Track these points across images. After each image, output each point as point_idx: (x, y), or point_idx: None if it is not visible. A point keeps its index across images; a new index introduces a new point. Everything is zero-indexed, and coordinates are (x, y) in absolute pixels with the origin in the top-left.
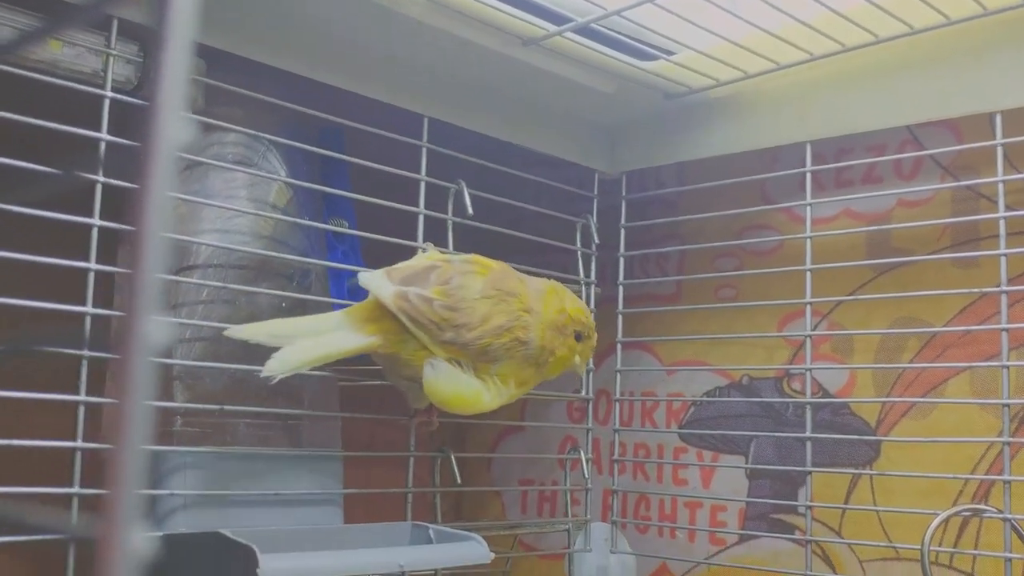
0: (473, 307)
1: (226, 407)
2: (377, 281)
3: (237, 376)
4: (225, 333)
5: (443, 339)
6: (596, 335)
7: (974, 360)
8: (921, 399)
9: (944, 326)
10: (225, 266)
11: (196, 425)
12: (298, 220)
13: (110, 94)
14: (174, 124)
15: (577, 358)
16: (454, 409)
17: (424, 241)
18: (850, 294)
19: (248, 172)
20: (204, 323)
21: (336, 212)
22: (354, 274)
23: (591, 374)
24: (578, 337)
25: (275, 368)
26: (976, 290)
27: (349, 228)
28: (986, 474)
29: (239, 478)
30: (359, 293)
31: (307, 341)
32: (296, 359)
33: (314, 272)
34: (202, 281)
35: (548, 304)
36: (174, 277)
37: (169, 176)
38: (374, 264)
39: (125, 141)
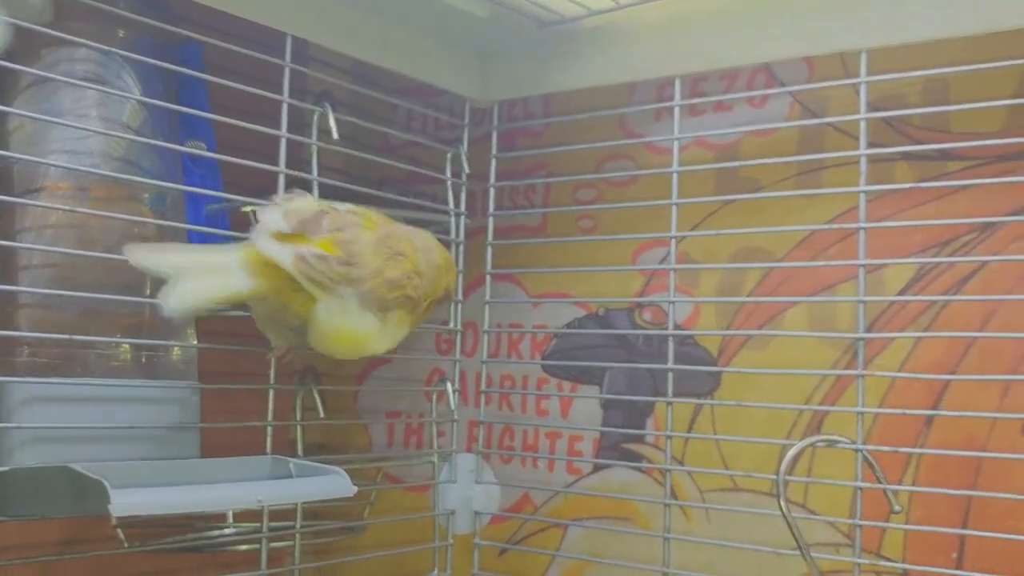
0: (365, 260)
1: (76, 337)
2: (273, 244)
3: (88, 305)
4: (129, 258)
5: (340, 294)
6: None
7: (812, 290)
8: (766, 331)
9: (784, 256)
10: (75, 189)
11: (44, 356)
12: (152, 141)
13: None
14: None
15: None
16: (343, 350)
17: (287, 167)
18: (699, 223)
19: (100, 90)
20: (52, 249)
21: (193, 134)
22: (212, 199)
23: (460, 306)
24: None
25: (175, 305)
26: (837, 226)
27: (207, 151)
28: (821, 404)
29: (91, 411)
30: (217, 219)
31: (206, 280)
32: (195, 299)
33: (169, 196)
34: (50, 204)
35: (430, 261)
36: (20, 200)
37: None
38: (233, 189)
39: None
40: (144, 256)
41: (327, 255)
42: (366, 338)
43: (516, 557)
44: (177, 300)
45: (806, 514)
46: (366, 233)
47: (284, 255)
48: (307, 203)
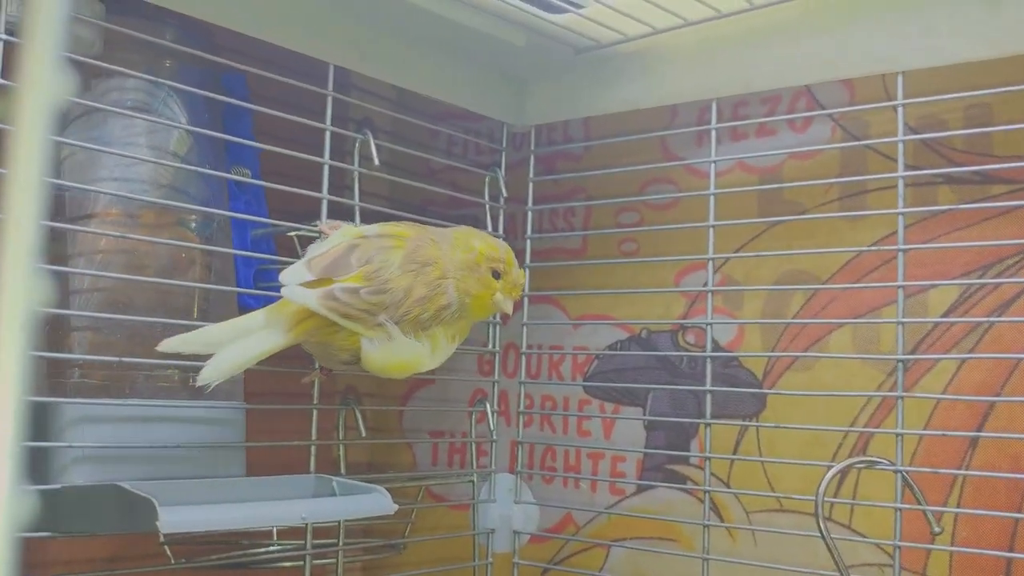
0: (396, 284)
1: (125, 359)
2: (298, 289)
3: (137, 328)
4: (159, 347)
5: (376, 323)
6: (520, 271)
7: (856, 313)
8: (809, 354)
9: (828, 279)
10: (124, 215)
11: (94, 377)
12: (199, 169)
13: (4, 36)
14: (48, 68)
15: (498, 295)
16: (397, 375)
17: (329, 192)
18: (741, 246)
19: (148, 119)
20: (103, 274)
21: (239, 161)
22: (257, 224)
23: (499, 327)
24: (495, 275)
25: (210, 376)
26: (876, 248)
27: (251, 177)
28: (865, 426)
29: (139, 430)
30: (262, 244)
31: (238, 345)
32: (229, 365)
33: (216, 222)
34: (100, 231)
35: (456, 247)
36: (71, 227)
37: (44, 123)
38: (278, 214)
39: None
40: (174, 343)
41: (356, 287)
42: (416, 361)
43: None
44: (210, 370)
45: (850, 535)
46: (395, 253)
47: (309, 297)
48: (334, 240)
